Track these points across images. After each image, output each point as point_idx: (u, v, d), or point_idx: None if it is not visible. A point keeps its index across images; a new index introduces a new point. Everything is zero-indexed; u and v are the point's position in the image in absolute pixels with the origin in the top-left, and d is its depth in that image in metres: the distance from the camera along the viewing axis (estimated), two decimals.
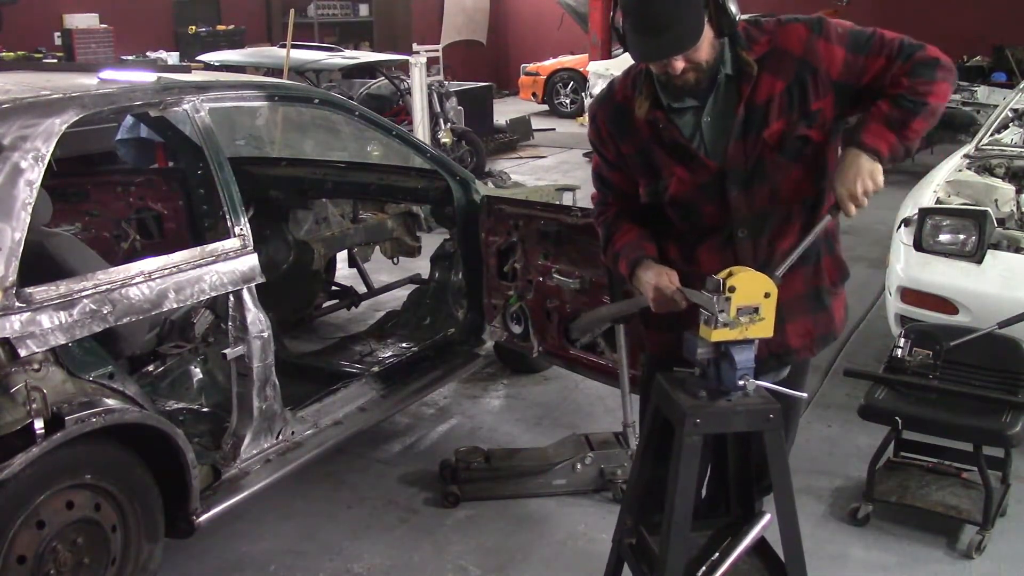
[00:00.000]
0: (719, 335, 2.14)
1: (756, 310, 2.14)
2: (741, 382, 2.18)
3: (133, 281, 2.79)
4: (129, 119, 6.35)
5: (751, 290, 2.13)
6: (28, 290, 2.53)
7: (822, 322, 2.50)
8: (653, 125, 2.35)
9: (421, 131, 8.76)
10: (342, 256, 5.69)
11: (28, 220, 2.58)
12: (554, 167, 11.33)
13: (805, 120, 2.28)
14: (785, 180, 2.32)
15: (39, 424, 2.46)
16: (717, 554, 2.30)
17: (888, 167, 2.25)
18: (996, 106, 6.59)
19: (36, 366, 2.53)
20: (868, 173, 2.20)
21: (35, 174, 2.62)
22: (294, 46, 8.42)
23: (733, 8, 2.19)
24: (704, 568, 2.27)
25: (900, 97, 2.22)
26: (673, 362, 2.40)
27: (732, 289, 2.11)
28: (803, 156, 2.31)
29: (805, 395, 2.56)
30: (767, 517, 2.35)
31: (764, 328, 2.16)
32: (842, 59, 2.26)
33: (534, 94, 16.34)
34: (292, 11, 8.34)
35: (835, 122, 2.34)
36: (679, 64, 2.19)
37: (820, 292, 2.47)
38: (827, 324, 2.52)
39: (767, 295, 2.14)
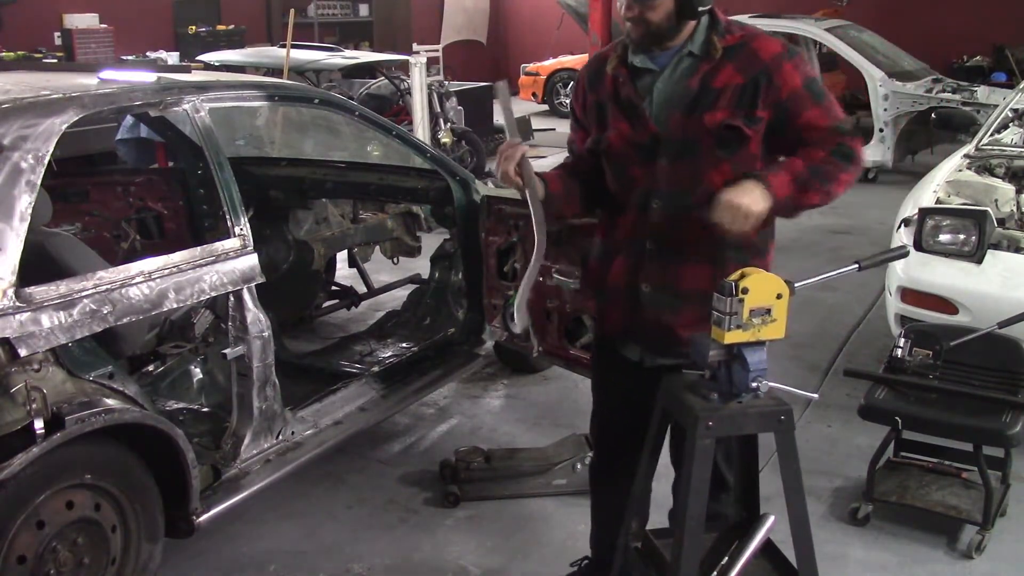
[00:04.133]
0: (732, 337, 2.14)
1: (768, 311, 2.14)
2: (754, 384, 2.18)
3: (133, 281, 2.79)
4: (129, 119, 6.35)
5: (763, 291, 2.13)
6: (28, 290, 2.53)
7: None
8: (615, 81, 2.50)
9: (421, 131, 8.75)
10: (342, 256, 5.69)
11: (28, 220, 2.58)
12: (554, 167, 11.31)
13: (747, 120, 2.37)
14: (710, 170, 2.40)
15: (39, 424, 2.46)
16: (727, 558, 2.30)
17: (762, 216, 2.28)
18: (996, 106, 6.58)
19: (36, 366, 2.53)
20: (755, 198, 2.25)
21: (35, 174, 2.62)
22: (294, 46, 8.41)
23: None
24: (715, 572, 2.27)
25: (815, 165, 2.35)
26: (611, 340, 2.62)
27: (745, 291, 2.12)
28: (735, 154, 2.39)
29: (816, 395, 2.62)
30: (772, 519, 2.35)
31: (776, 329, 2.16)
32: (796, 86, 2.38)
33: (534, 94, 16.31)
34: (292, 11, 8.34)
35: (764, 139, 2.43)
36: (634, 10, 2.36)
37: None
38: None
39: (779, 296, 2.15)
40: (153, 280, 2.84)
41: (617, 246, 2.55)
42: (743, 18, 10.62)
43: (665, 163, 2.43)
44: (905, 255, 2.80)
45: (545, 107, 16.11)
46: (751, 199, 2.24)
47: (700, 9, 2.35)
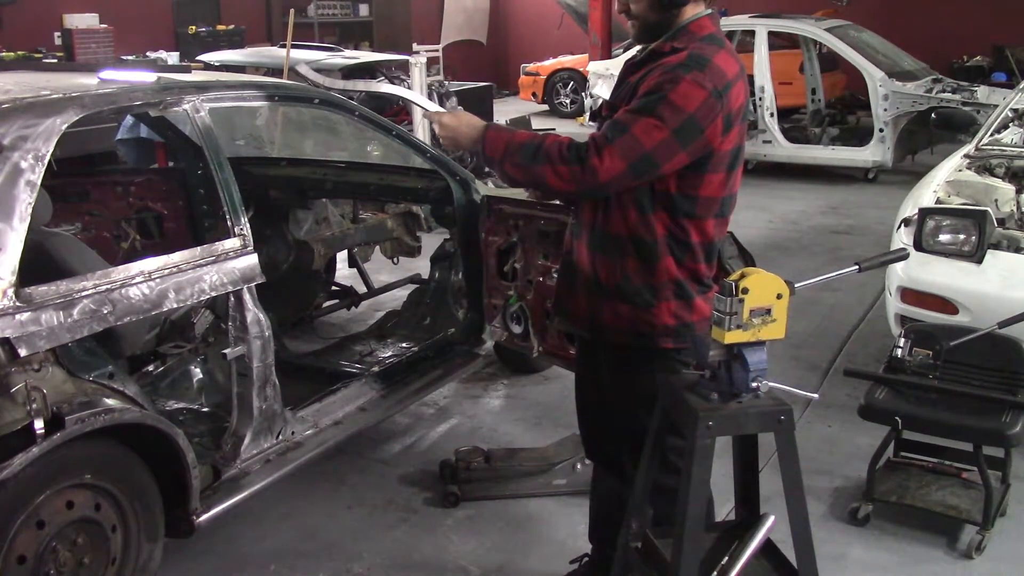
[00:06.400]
0: (732, 337, 2.14)
1: (768, 311, 2.14)
2: (754, 384, 2.19)
3: (133, 281, 2.79)
4: (129, 119, 6.35)
5: (764, 291, 2.13)
6: (28, 290, 2.53)
7: (600, 309, 2.59)
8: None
9: (421, 131, 8.76)
10: (342, 256, 5.69)
11: (28, 220, 2.58)
12: None
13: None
14: None
15: (39, 424, 2.46)
16: (727, 558, 2.30)
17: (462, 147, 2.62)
18: (996, 106, 6.58)
19: (36, 366, 2.53)
20: (467, 133, 2.54)
21: (35, 174, 2.63)
22: (294, 46, 8.41)
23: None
24: (715, 572, 2.27)
25: (539, 145, 2.41)
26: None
27: (745, 291, 2.12)
28: None
29: (816, 395, 2.68)
30: (772, 519, 2.35)
31: (776, 329, 2.16)
32: (647, 86, 2.37)
33: (534, 94, 16.31)
34: (292, 11, 8.32)
35: None
36: (622, 4, 2.50)
37: (622, 285, 2.54)
38: (595, 313, 2.60)
39: (779, 296, 2.15)
40: (153, 280, 2.84)
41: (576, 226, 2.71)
42: (743, 18, 10.64)
43: None
44: (905, 257, 2.81)
45: (545, 107, 16.12)
46: (464, 133, 2.54)
47: (681, 7, 2.42)
